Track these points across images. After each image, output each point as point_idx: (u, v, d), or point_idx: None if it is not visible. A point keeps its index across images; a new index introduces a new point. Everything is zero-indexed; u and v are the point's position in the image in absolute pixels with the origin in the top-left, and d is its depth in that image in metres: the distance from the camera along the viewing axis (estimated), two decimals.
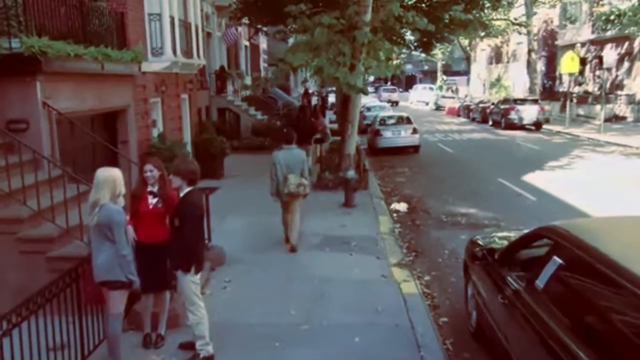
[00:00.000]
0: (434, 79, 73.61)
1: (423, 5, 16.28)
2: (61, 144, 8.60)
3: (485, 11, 20.27)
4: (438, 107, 49.96)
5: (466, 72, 64.06)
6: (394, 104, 54.84)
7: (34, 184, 6.57)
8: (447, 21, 16.60)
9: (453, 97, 51.62)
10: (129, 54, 10.64)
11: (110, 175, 4.97)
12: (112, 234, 4.88)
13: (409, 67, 78.51)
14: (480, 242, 6.70)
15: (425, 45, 20.14)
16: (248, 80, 32.73)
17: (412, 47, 21.79)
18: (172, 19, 12.80)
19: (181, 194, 5.39)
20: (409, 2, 13.69)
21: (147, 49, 12.09)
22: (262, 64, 42.64)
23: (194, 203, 5.28)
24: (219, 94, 24.96)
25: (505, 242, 6.69)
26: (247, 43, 34.45)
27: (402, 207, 12.83)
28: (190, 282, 5.30)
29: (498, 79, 51.09)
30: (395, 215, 12.16)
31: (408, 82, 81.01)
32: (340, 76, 12.25)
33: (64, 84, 8.50)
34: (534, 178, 15.53)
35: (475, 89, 57.64)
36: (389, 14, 12.75)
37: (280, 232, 10.20)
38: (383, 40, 12.99)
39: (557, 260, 4.30)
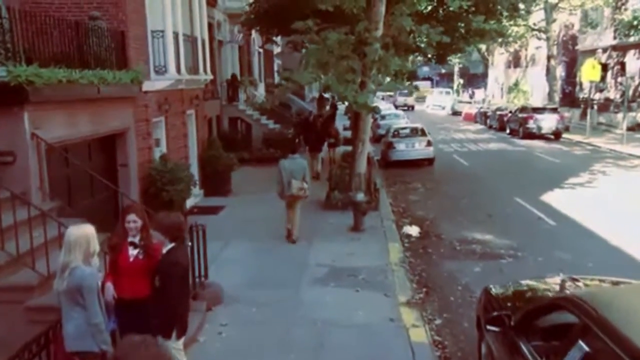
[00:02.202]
0: (451, 81, 72.67)
1: (438, 13, 15.64)
2: (54, 172, 8.22)
3: (503, 21, 19.54)
4: (455, 112, 49.13)
5: (484, 75, 63.09)
6: (410, 108, 54.11)
7: (12, 224, 6.15)
8: (462, 31, 15.99)
9: (470, 102, 50.75)
10: (128, 75, 10.21)
11: (83, 234, 4.51)
12: (83, 299, 4.42)
13: (425, 69, 77.53)
14: (493, 293, 6.14)
15: (440, 56, 19.51)
16: (261, 88, 32.34)
17: (427, 57, 21.18)
18: (176, 35, 12.37)
19: (164, 250, 4.92)
20: (423, 11, 13.07)
21: (149, 67, 11.67)
22: (276, 70, 42.32)
23: (177, 263, 4.79)
24: (230, 103, 24.59)
25: (522, 294, 6.16)
26: (260, 49, 34.06)
27: (414, 231, 12.27)
28: (172, 349, 4.82)
29: (516, 84, 50.16)
30: (406, 240, 11.61)
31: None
32: (349, 95, 11.73)
33: (56, 112, 8.10)
34: (553, 198, 14.85)
35: (493, 93, 56.71)
36: (401, 29, 12.20)
37: (286, 262, 9.91)
38: (394, 56, 12.42)
39: (583, 347, 3.74)
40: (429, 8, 14.63)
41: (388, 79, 12.70)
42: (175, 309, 4.78)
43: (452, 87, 67.65)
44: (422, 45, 13.30)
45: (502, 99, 53.42)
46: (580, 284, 5.95)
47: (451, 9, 13.00)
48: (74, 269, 4.44)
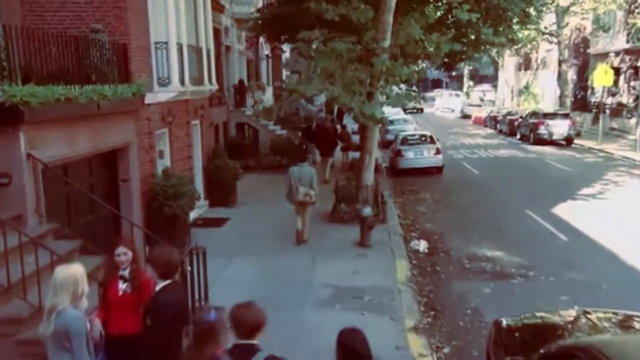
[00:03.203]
0: (460, 82, 72.09)
1: (447, 20, 15.33)
2: (52, 190, 8.01)
3: (514, 27, 19.21)
4: (464, 116, 48.70)
5: (494, 77, 62.51)
6: (419, 111, 53.67)
7: (2, 252, 5.93)
8: (472, 37, 15.69)
9: (480, 106, 50.25)
10: (130, 89, 9.99)
11: (71, 275, 4.28)
12: (70, 344, 4.19)
13: (434, 71, 77.02)
14: (504, 326, 5.87)
15: (449, 64, 19.22)
16: (269, 92, 32.11)
17: (436, 66, 20.89)
18: (180, 46, 12.16)
19: (156, 288, 4.69)
20: (432, 20, 12.80)
21: (153, 78, 11.46)
22: (285, 73, 42.12)
23: (168, 304, 4.55)
24: (237, 109, 24.39)
25: (534, 329, 5.88)
26: (269, 52, 33.86)
27: (422, 246, 11.99)
28: None
29: (527, 87, 49.67)
30: (414, 257, 11.33)
31: (434, 86, 79.54)
32: (356, 106, 11.48)
33: (54, 130, 7.88)
34: (565, 210, 14.49)
35: (503, 95, 56.17)
36: (410, 38, 11.93)
37: (290, 281, 9.72)
38: (402, 66, 12.15)
39: None
40: (438, 14, 14.30)
41: (396, 88, 12.42)
42: (166, 351, 4.54)
43: (461, 89, 67.17)
44: (431, 52, 12.97)
45: (512, 101, 52.93)
46: (593, 317, 5.70)
47: (460, 18, 12.69)
48: (61, 312, 4.21)
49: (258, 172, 20.75)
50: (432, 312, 8.61)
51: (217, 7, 22.10)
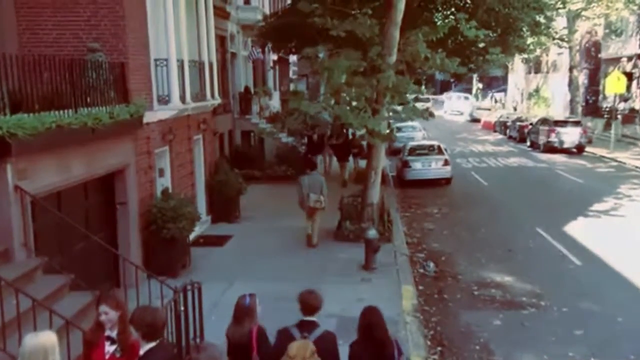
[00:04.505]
0: (469, 84, 71.43)
1: (455, 38, 14.95)
2: (43, 219, 7.71)
3: (524, 36, 18.80)
4: (473, 119, 48.18)
5: (503, 79, 61.86)
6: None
7: None
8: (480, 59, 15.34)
9: (489, 110, 49.67)
10: (128, 109, 9.68)
11: (40, 344, 3.92)
12: None
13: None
14: None
15: (457, 76, 18.85)
16: (276, 97, 31.74)
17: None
18: (181, 62, 11.84)
19: (141, 352, 4.35)
20: (439, 36, 12.44)
21: (152, 96, 11.15)
22: (292, 76, 41.73)
23: None
24: (242, 116, 24.07)
25: None
26: (275, 57, 33.51)
27: (429, 269, 11.62)
28: None
29: (537, 90, 49.07)
30: (420, 281, 10.95)
31: (442, 88, 78.91)
32: (359, 124, 11.11)
33: (44, 159, 7.57)
34: (577, 229, 14.05)
35: (513, 98, 55.54)
36: (415, 56, 11.55)
37: (294, 311, 9.24)
38: (409, 82, 11.77)
39: None
40: (445, 30, 13.91)
41: (400, 108, 12.09)
42: None
43: (470, 92, 66.53)
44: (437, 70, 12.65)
45: (522, 104, 52.32)
46: None
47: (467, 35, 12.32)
48: None
49: (263, 182, 20.45)
50: (439, 348, 8.23)
51: (223, 14, 21.80)
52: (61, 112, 7.84)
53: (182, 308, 6.73)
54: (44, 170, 7.59)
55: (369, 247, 11.23)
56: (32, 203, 7.25)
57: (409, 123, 32.81)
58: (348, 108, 11.19)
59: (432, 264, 11.83)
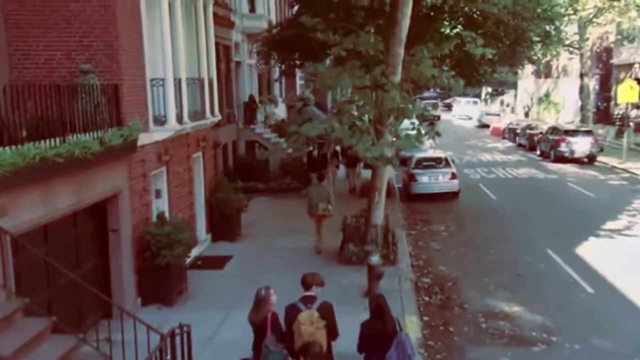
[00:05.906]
0: (478, 87, 70.67)
1: (458, 55, 14.49)
2: (25, 259, 7.32)
3: (534, 47, 18.33)
4: (482, 125, 47.58)
5: (513, 82, 61.11)
6: (436, 118, 52.61)
7: None
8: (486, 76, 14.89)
9: (498, 115, 49.02)
10: (121, 132, 9.29)
11: None
12: None
13: None
14: None
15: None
16: (282, 106, 31.31)
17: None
18: (178, 81, 11.48)
19: None
20: (444, 53, 12.02)
21: (148, 117, 10.79)
22: (299, 82, 41.32)
23: None
24: (247, 126, 23.72)
25: None
26: (282, 66, 33.07)
27: (434, 297, 11.17)
28: None
29: (547, 95, 48.41)
30: (425, 310, 10.51)
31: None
32: (361, 148, 10.67)
33: (27, 193, 7.21)
34: (589, 251, 13.53)
35: (524, 103, 54.85)
36: (420, 76, 11.13)
37: None
38: (413, 103, 11.34)
39: None
40: (450, 47, 13.47)
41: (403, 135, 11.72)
42: None
43: (479, 96, 65.84)
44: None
45: (532, 108, 51.66)
46: None
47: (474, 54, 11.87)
48: None
49: (267, 195, 20.10)
50: None
51: (227, 24, 21.46)
52: (48, 141, 7.48)
53: (168, 358, 6.34)
54: (27, 205, 7.23)
55: (371, 274, 10.78)
56: (12, 241, 6.88)
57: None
58: (349, 130, 10.72)
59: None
